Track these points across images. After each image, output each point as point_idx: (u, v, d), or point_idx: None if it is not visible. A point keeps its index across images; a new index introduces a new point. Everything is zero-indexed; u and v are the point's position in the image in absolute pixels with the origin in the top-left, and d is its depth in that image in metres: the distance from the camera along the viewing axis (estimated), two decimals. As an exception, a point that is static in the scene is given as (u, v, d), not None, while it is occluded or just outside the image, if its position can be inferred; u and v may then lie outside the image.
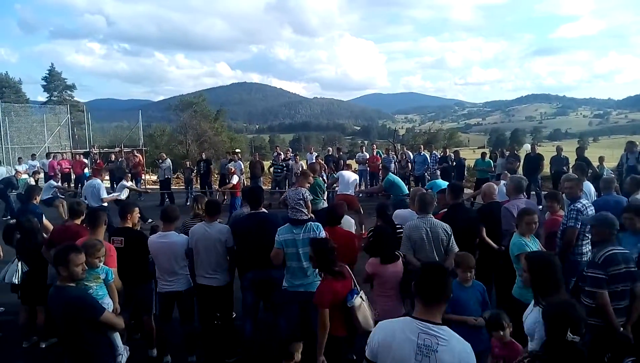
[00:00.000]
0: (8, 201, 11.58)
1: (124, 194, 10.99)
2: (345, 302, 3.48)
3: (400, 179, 8.60)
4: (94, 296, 3.54)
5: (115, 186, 14.82)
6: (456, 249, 4.46)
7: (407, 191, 7.90)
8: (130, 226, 4.87)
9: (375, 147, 16.89)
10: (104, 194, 8.70)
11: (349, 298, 3.49)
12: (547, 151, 13.16)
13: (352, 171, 16.76)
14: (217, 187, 15.11)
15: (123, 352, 3.55)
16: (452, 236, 4.49)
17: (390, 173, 8.72)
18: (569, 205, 4.92)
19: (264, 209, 4.87)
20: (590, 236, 4.64)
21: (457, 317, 3.64)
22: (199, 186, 15.60)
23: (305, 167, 12.20)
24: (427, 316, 2.16)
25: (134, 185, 12.17)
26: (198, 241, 4.61)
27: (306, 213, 4.42)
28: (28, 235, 5.19)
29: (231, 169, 11.71)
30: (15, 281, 5.01)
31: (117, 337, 3.51)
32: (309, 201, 4.70)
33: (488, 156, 14.80)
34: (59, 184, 13.63)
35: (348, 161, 18.30)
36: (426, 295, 2.20)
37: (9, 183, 11.80)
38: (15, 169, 15.93)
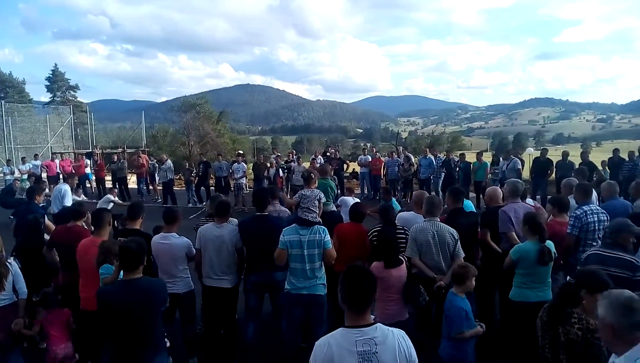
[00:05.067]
0: (12, 203, 11.60)
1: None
2: None
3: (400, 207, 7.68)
4: None
5: (116, 186, 14.83)
6: (462, 254, 4.42)
7: None
8: (139, 227, 4.85)
9: (375, 150, 16.86)
10: (69, 202, 8.64)
11: None
12: (550, 155, 13.07)
13: (353, 176, 16.73)
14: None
15: None
16: (459, 242, 4.45)
17: (393, 199, 7.79)
18: (575, 210, 4.88)
19: (273, 208, 4.82)
20: (593, 242, 4.58)
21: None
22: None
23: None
24: (359, 322, 2.19)
25: (120, 200, 11.64)
26: (208, 242, 4.56)
27: (317, 215, 4.37)
28: (34, 233, 5.17)
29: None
30: None
31: None
32: (322, 204, 4.67)
33: (490, 160, 14.64)
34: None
35: (350, 164, 18.14)
36: (353, 302, 2.21)
37: (9, 191, 11.90)
38: (18, 170, 15.98)
